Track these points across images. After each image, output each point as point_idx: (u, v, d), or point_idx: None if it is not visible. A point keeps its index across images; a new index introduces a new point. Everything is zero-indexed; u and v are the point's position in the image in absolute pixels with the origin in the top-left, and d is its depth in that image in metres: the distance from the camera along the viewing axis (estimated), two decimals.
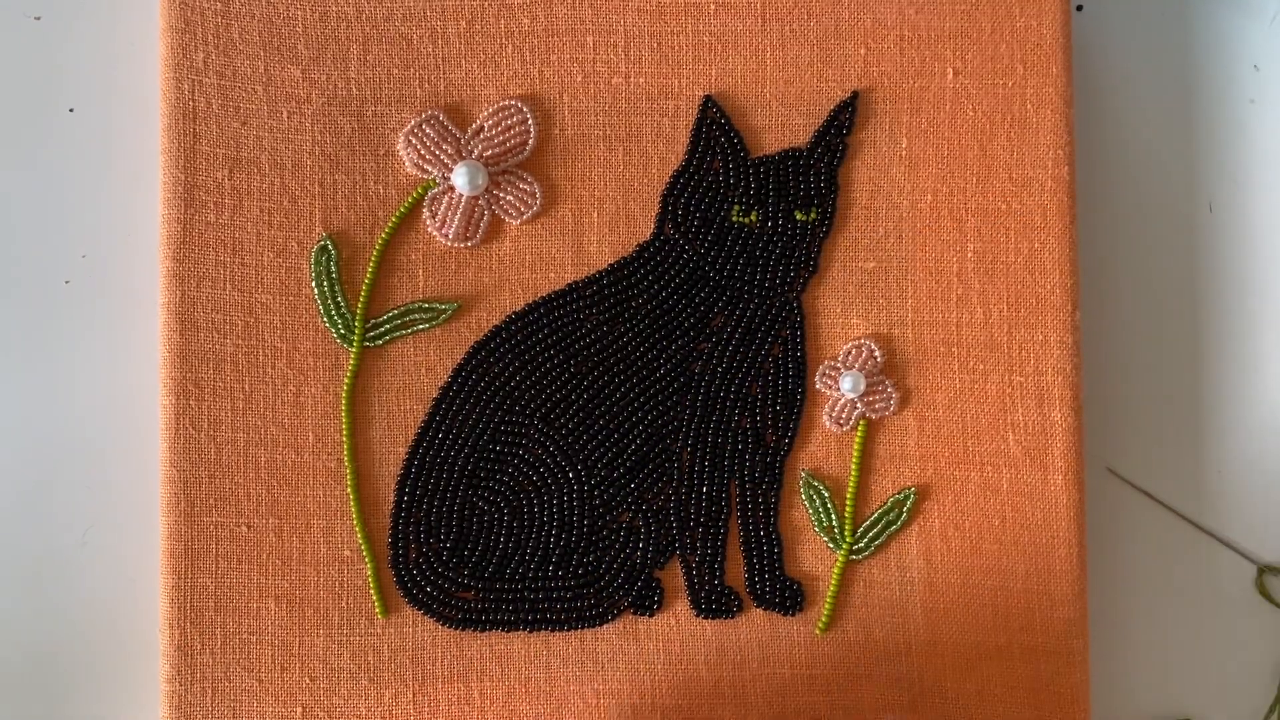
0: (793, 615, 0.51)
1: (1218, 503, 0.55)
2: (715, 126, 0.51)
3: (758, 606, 0.51)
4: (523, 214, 0.51)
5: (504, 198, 0.51)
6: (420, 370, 0.51)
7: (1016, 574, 0.51)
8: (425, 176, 0.50)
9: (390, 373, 0.51)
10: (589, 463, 0.51)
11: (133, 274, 0.53)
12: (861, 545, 0.51)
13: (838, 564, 0.51)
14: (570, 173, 0.51)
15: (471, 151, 0.51)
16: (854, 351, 0.51)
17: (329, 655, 0.50)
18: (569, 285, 0.51)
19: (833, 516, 0.51)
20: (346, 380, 0.50)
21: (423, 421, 0.50)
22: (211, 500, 0.50)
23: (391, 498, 0.50)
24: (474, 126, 0.51)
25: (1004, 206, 0.51)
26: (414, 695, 0.50)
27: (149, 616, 0.51)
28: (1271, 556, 0.55)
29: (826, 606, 0.51)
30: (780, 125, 0.51)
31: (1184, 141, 0.56)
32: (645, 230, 0.51)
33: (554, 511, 0.51)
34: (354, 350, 0.50)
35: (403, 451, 0.50)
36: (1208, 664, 0.55)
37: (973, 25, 0.52)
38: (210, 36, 0.50)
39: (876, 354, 0.51)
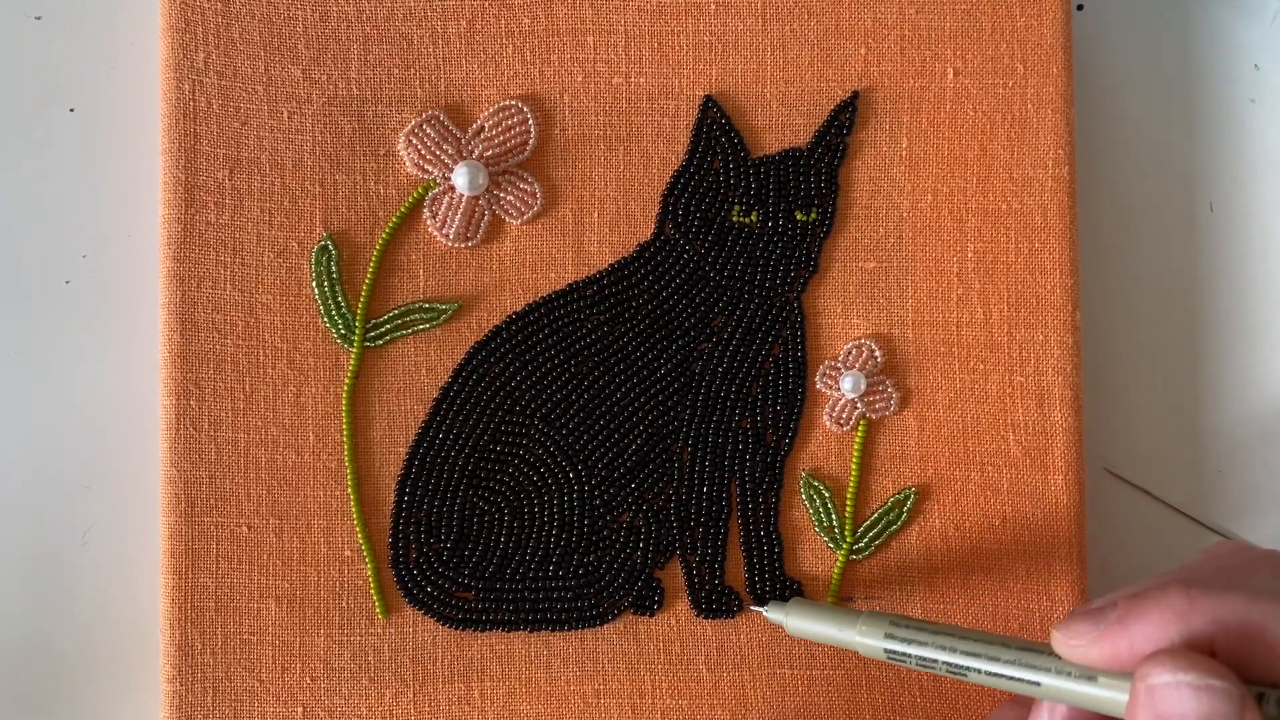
0: None
1: (1218, 503, 0.55)
2: (716, 126, 0.51)
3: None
4: (523, 214, 0.51)
5: (504, 198, 0.51)
6: (421, 370, 0.51)
7: (1016, 574, 0.51)
8: (426, 176, 0.50)
9: (391, 373, 0.50)
10: (589, 463, 0.51)
11: (133, 274, 0.52)
12: (861, 545, 0.51)
13: (838, 564, 0.51)
14: (570, 173, 0.51)
15: (472, 151, 0.50)
16: (854, 351, 0.51)
17: (329, 655, 0.50)
18: (569, 285, 0.51)
19: (833, 516, 0.51)
20: (347, 380, 0.50)
21: (423, 421, 0.50)
22: (212, 500, 0.50)
23: (392, 498, 0.50)
24: (474, 126, 0.51)
25: (1004, 206, 0.51)
26: (414, 695, 0.50)
27: (149, 616, 0.51)
28: None
29: None
30: (780, 125, 0.51)
31: (1184, 141, 0.56)
32: (645, 230, 0.51)
33: (554, 512, 0.51)
34: (354, 350, 0.50)
35: (403, 451, 0.50)
36: None
37: (973, 25, 0.52)
38: (210, 36, 0.50)
39: (877, 354, 0.51)
